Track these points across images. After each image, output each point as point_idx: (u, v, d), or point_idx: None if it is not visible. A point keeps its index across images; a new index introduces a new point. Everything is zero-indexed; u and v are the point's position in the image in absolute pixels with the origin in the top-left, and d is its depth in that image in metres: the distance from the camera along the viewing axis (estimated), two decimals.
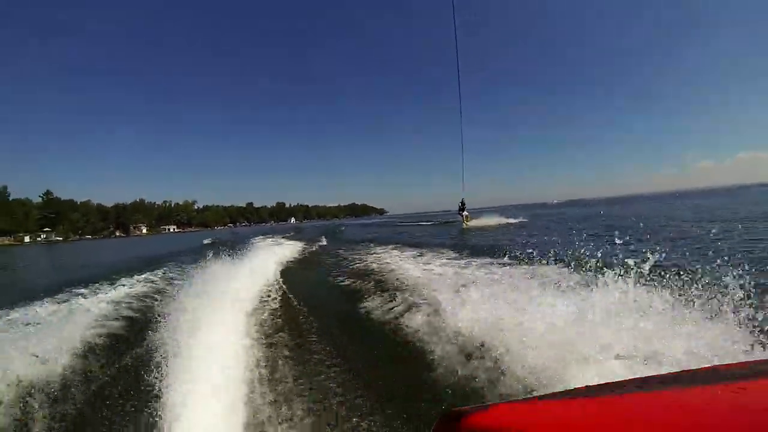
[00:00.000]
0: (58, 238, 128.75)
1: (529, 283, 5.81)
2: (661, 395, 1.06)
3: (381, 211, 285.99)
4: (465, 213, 30.44)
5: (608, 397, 1.07)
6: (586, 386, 1.09)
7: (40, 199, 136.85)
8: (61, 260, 30.84)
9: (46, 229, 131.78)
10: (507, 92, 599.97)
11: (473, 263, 9.00)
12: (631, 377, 1.21)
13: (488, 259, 9.35)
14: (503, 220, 30.75)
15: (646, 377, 1.22)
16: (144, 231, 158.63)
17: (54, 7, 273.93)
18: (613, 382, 1.15)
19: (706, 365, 1.47)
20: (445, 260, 10.21)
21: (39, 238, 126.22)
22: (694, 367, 1.31)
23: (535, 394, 2.25)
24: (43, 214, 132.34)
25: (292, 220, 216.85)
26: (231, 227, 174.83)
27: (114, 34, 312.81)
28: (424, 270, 8.91)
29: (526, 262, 7.90)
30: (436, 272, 8.46)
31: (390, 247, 15.90)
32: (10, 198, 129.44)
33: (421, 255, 11.76)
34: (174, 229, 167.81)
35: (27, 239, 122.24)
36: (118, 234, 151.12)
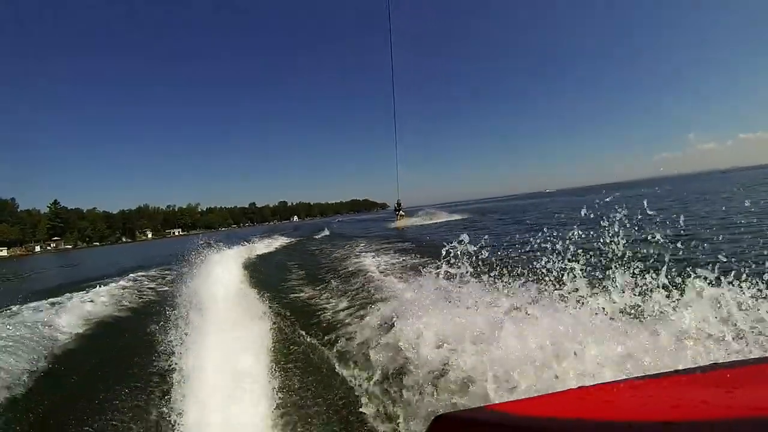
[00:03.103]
0: (67, 246, 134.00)
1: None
2: (655, 393, 1.11)
3: (383, 206, 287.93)
4: (400, 213, 33.34)
5: (599, 396, 1.11)
6: (579, 387, 1.15)
7: (47, 209, 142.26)
8: (77, 265, 35.21)
9: (56, 238, 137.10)
10: (502, 79, 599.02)
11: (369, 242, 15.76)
12: (625, 378, 1.42)
13: (383, 241, 16.06)
14: (441, 219, 31.92)
15: (640, 376, 1.39)
16: (149, 236, 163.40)
17: (50, 17, 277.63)
18: (606, 383, 1.30)
19: (702, 364, 1.71)
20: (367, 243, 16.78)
21: (49, 247, 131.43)
22: (690, 366, 1.50)
23: (528, 396, 2.38)
24: (51, 224, 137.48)
25: (295, 218, 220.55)
26: (235, 227, 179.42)
27: (109, 35, 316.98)
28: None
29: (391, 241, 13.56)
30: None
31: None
32: (19, 209, 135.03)
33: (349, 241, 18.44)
34: (179, 232, 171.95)
35: (38, 248, 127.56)
36: (124, 240, 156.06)
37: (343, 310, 6.66)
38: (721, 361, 2.51)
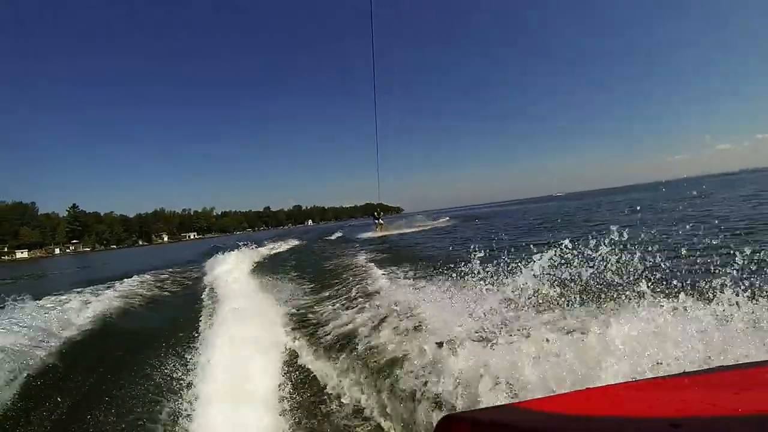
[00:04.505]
0: (85, 249, 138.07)
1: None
2: (661, 394, 1.11)
3: (398, 210, 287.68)
4: (380, 221, 31.83)
5: (606, 397, 1.13)
6: (586, 388, 1.15)
7: (66, 213, 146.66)
8: (93, 266, 36.41)
9: (74, 240, 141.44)
10: (512, 79, 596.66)
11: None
12: (629, 380, 1.46)
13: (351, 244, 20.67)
14: (420, 227, 31.48)
15: (646, 378, 1.43)
16: (165, 239, 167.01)
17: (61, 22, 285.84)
18: (612, 385, 1.28)
19: (708, 366, 1.71)
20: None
21: (68, 250, 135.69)
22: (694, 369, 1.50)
23: (533, 397, 2.38)
24: (70, 227, 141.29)
25: (309, 222, 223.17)
26: (249, 231, 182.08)
27: (119, 35, 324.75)
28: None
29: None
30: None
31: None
32: (39, 213, 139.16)
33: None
34: (194, 235, 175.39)
35: (57, 251, 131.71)
36: (141, 243, 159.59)
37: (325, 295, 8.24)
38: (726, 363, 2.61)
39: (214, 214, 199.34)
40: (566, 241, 4.55)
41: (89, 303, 8.16)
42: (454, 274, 6.78)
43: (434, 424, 1.01)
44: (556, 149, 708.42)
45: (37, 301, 7.75)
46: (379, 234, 28.56)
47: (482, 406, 2.74)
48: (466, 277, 6.13)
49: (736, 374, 1.27)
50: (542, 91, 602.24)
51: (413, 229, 30.46)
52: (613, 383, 1.82)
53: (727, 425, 0.87)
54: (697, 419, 0.90)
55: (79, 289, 9.85)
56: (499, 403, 2.60)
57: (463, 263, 6.36)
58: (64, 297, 8.73)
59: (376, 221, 31.63)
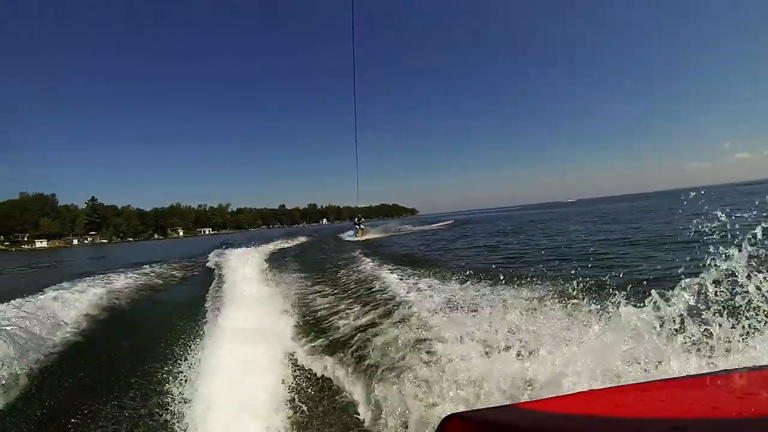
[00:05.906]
0: (103, 241, 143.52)
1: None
2: (664, 396, 1.11)
3: (412, 211, 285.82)
4: (361, 226, 33.70)
5: (609, 399, 1.14)
6: (590, 390, 1.17)
7: (85, 205, 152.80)
8: (118, 255, 39.41)
9: (92, 232, 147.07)
10: (525, 83, 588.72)
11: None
12: (634, 382, 1.43)
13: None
14: (401, 231, 34.55)
15: (650, 381, 1.37)
16: (181, 234, 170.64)
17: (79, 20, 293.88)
18: (615, 386, 1.30)
19: (713, 370, 1.66)
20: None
21: (86, 241, 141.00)
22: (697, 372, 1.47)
23: (535, 398, 2.48)
24: (89, 219, 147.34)
25: (324, 221, 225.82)
26: (264, 228, 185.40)
27: (139, 35, 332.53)
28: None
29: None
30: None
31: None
32: (59, 204, 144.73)
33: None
34: (209, 231, 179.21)
35: (75, 242, 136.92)
36: (156, 237, 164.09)
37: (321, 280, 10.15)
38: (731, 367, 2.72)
39: (230, 210, 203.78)
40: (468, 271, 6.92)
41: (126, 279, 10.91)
42: (407, 267, 9.86)
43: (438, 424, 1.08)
44: (570, 154, 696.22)
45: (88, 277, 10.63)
46: (361, 238, 30.21)
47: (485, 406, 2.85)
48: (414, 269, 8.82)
49: (739, 377, 1.30)
50: (558, 94, 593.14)
51: (399, 233, 32.75)
52: (616, 385, 1.97)
53: (731, 428, 0.88)
54: (701, 422, 0.91)
55: (122, 269, 12.96)
56: (502, 404, 2.76)
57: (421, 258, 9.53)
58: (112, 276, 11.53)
59: (357, 226, 33.60)
